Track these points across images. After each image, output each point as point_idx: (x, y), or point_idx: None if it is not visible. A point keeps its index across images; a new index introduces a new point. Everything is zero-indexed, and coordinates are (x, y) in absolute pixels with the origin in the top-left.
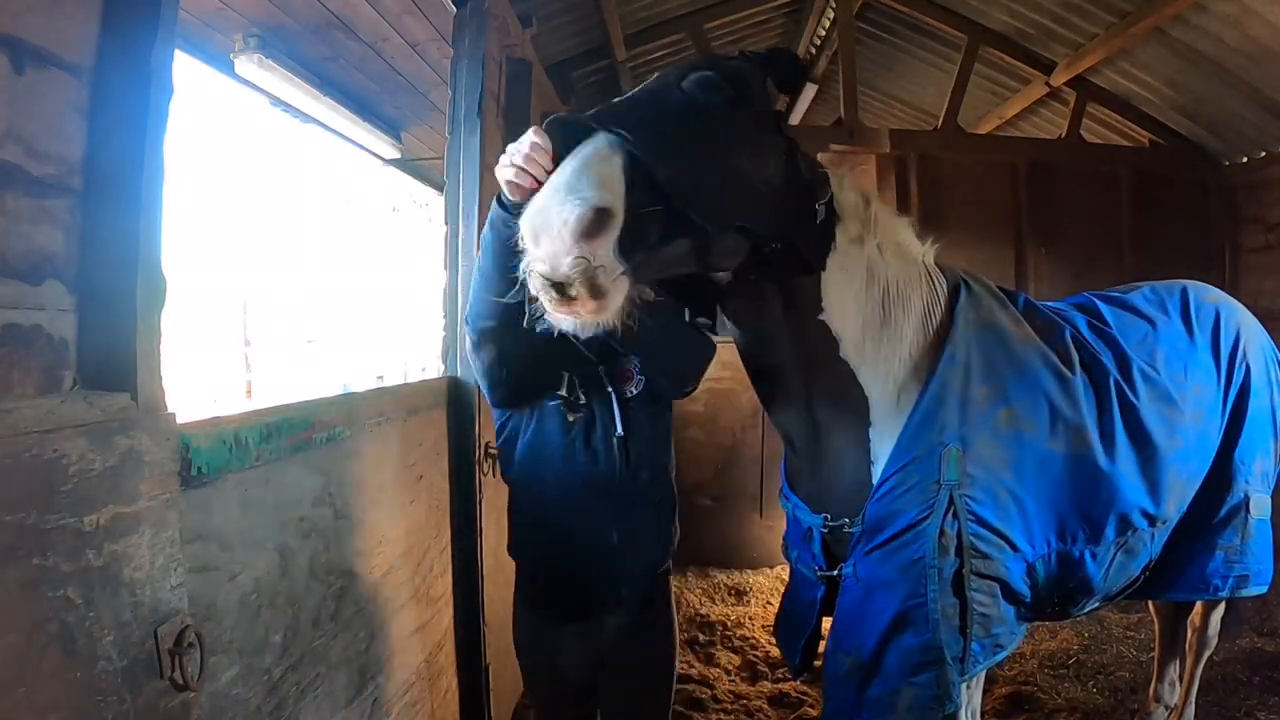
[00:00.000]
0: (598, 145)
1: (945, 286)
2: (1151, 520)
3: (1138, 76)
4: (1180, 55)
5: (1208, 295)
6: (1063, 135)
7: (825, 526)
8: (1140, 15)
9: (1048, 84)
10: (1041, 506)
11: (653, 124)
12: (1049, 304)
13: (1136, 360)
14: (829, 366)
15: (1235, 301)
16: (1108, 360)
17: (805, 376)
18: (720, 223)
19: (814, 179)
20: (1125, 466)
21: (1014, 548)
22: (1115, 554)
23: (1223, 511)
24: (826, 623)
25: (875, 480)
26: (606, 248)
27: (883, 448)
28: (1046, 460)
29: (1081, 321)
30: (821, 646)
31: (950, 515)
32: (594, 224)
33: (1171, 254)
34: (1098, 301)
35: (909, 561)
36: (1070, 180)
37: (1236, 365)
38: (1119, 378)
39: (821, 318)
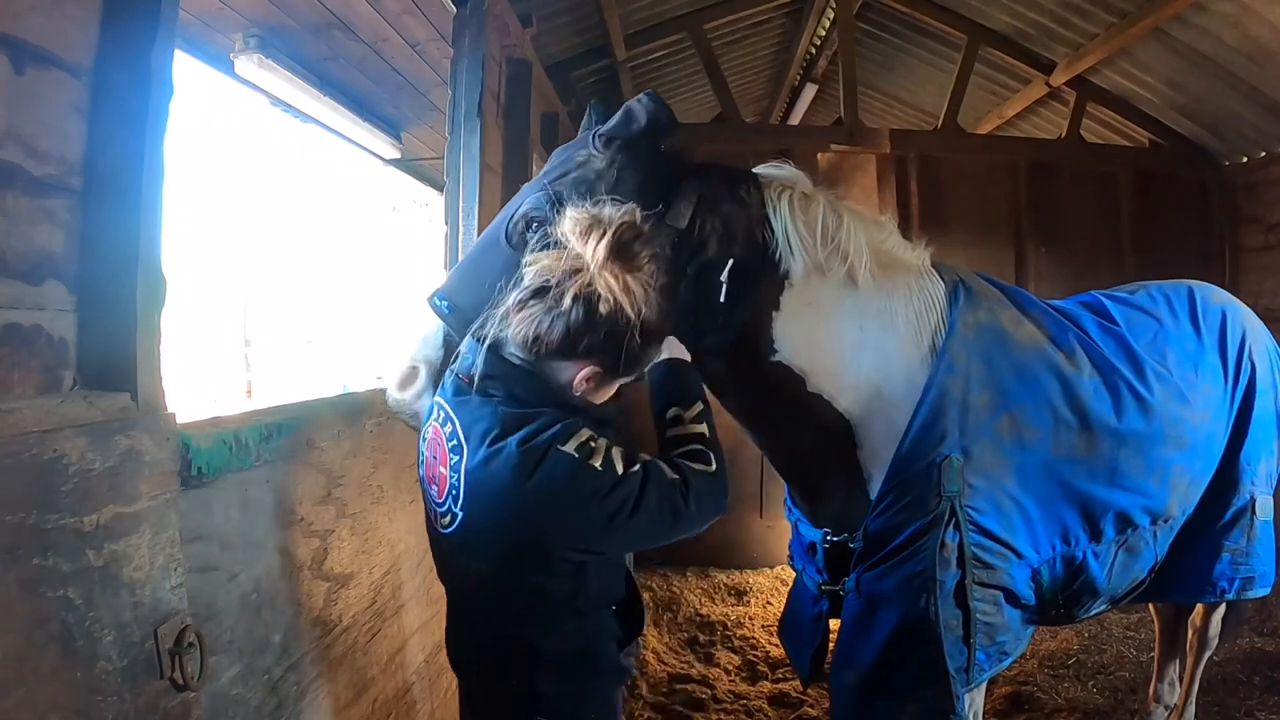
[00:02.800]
0: (423, 316)
1: (942, 290)
2: (1154, 519)
3: (1138, 76)
4: (1180, 55)
5: (1214, 296)
6: (1063, 135)
7: (826, 542)
8: (1140, 15)
9: (1048, 84)
10: (1045, 511)
11: (470, 282)
12: (1056, 302)
13: (1149, 361)
14: (799, 402)
15: (1241, 303)
16: (1118, 360)
17: (776, 415)
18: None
19: (725, 241)
20: (1127, 464)
21: (1018, 555)
22: (1117, 552)
23: (1229, 514)
24: (833, 626)
25: (872, 495)
26: (417, 390)
27: (876, 465)
28: (1050, 465)
29: (1090, 321)
30: (829, 656)
31: (952, 527)
32: (406, 377)
33: (1171, 254)
34: (1106, 301)
35: (910, 576)
36: (1070, 180)
37: (1243, 367)
38: (1128, 377)
39: (776, 359)
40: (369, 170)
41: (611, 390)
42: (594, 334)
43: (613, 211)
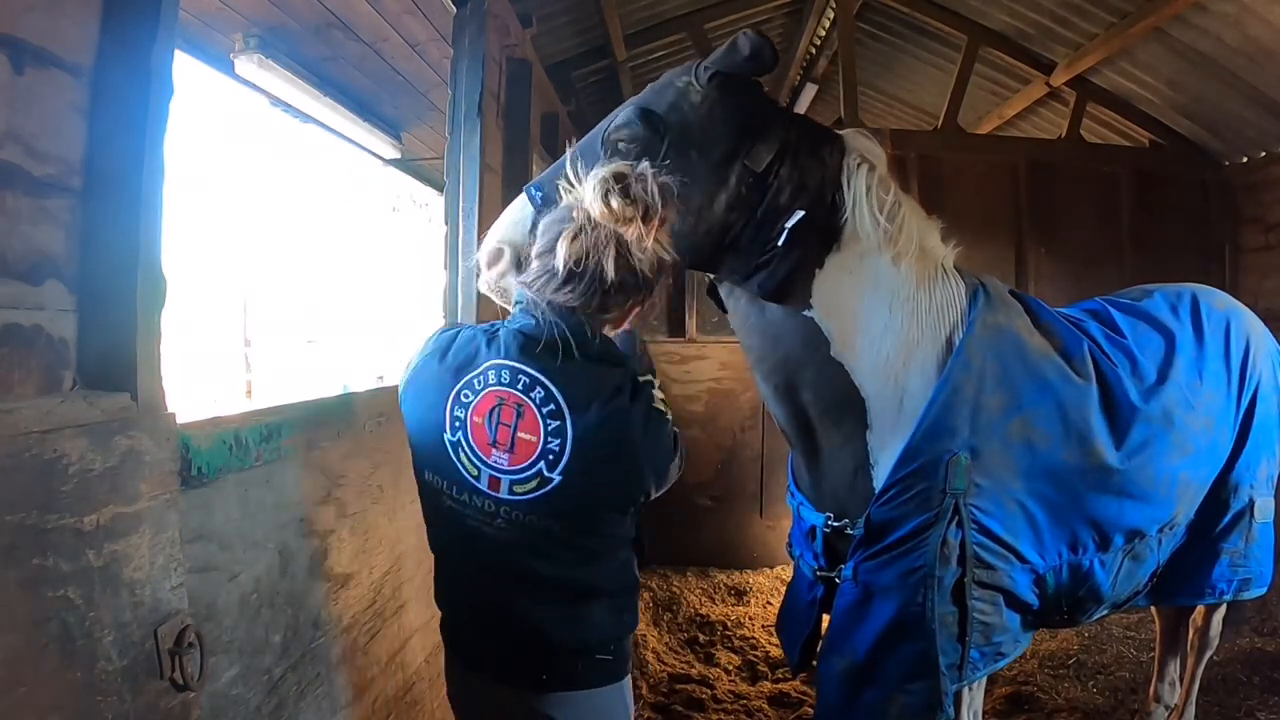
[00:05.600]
0: (516, 201)
1: (963, 290)
2: (1161, 527)
3: (1138, 76)
4: (1180, 55)
5: (1217, 302)
6: (1063, 135)
7: (827, 526)
8: (1140, 15)
9: (1048, 84)
10: (1053, 518)
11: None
12: (1064, 310)
13: (1155, 370)
14: (819, 363)
15: (1243, 307)
16: (1125, 371)
17: (794, 370)
18: None
19: (797, 193)
20: (1137, 475)
21: (1022, 559)
22: (1123, 561)
23: (1228, 517)
24: (826, 620)
25: (876, 483)
26: (501, 270)
27: (884, 452)
28: (1059, 471)
29: (1098, 331)
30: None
31: (954, 524)
32: (492, 256)
33: (1171, 254)
34: (1111, 310)
35: (909, 569)
36: (1070, 180)
37: (1248, 373)
38: (1136, 388)
39: (808, 313)
40: (369, 170)
41: None
42: (640, 288)
43: (620, 168)
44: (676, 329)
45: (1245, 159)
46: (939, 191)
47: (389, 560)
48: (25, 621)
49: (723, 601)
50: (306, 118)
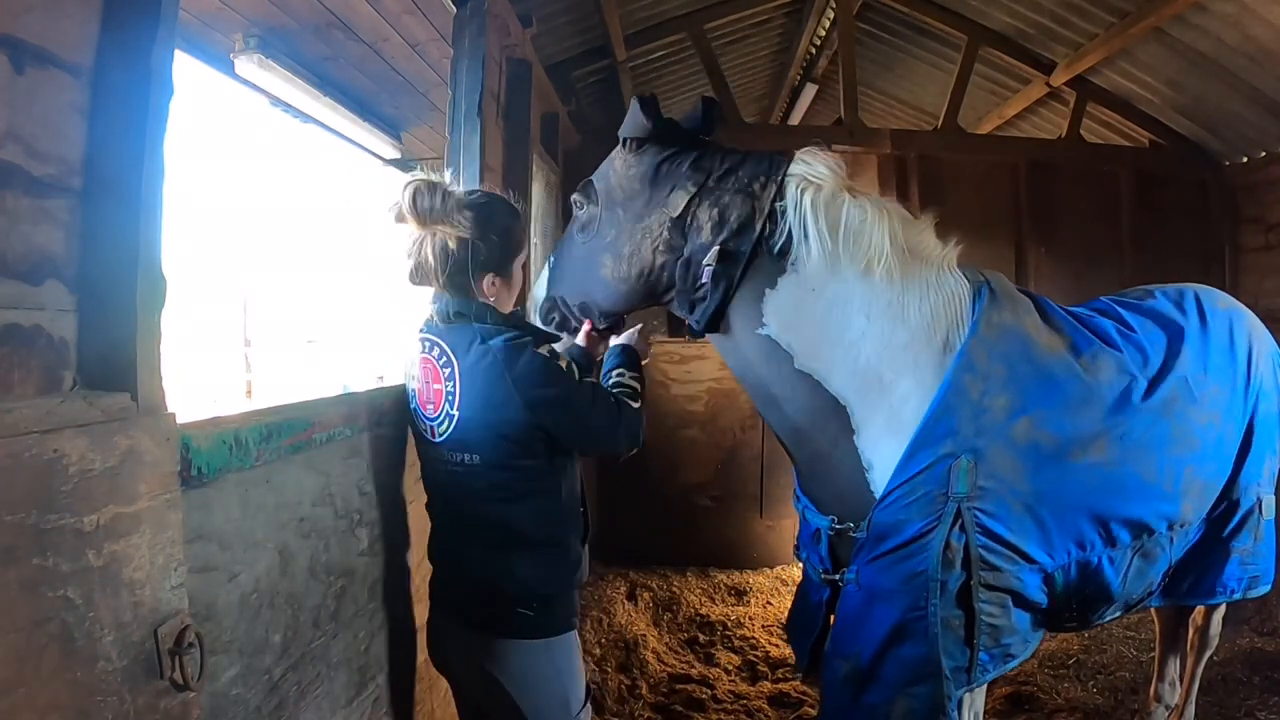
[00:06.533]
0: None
1: (965, 289)
2: (1170, 524)
3: (1138, 76)
4: (1180, 55)
5: (1219, 301)
6: (1063, 135)
7: (831, 529)
8: (1140, 15)
9: (1048, 84)
10: (1061, 517)
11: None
12: (1073, 309)
13: (1163, 366)
14: (786, 377)
15: (1243, 307)
16: (1136, 367)
17: (767, 385)
18: (574, 300)
19: (718, 229)
20: (1137, 466)
21: (1029, 560)
22: (1132, 558)
23: (1238, 516)
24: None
25: (874, 487)
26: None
27: (878, 456)
28: (1066, 471)
29: (1110, 327)
30: None
31: (957, 528)
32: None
33: (1171, 254)
34: (1119, 308)
35: (911, 573)
36: (1070, 180)
37: (1251, 371)
38: (1144, 384)
39: (762, 332)
40: (369, 170)
41: (513, 296)
42: (470, 263)
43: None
44: (677, 329)
45: (1245, 159)
46: (939, 191)
47: (389, 560)
48: (25, 621)
49: (723, 601)
50: (306, 118)
